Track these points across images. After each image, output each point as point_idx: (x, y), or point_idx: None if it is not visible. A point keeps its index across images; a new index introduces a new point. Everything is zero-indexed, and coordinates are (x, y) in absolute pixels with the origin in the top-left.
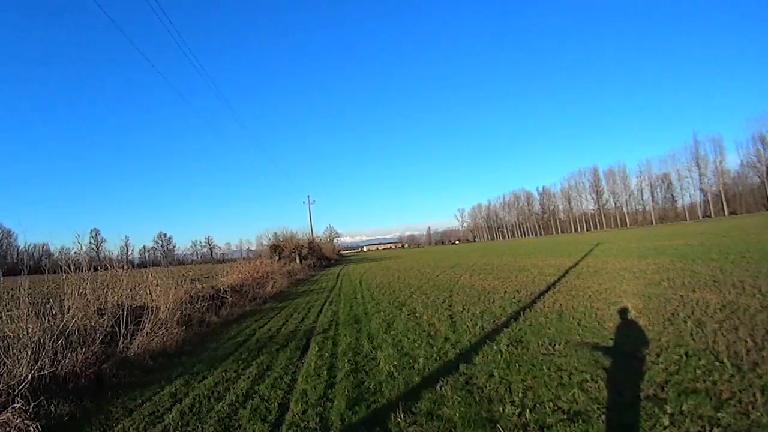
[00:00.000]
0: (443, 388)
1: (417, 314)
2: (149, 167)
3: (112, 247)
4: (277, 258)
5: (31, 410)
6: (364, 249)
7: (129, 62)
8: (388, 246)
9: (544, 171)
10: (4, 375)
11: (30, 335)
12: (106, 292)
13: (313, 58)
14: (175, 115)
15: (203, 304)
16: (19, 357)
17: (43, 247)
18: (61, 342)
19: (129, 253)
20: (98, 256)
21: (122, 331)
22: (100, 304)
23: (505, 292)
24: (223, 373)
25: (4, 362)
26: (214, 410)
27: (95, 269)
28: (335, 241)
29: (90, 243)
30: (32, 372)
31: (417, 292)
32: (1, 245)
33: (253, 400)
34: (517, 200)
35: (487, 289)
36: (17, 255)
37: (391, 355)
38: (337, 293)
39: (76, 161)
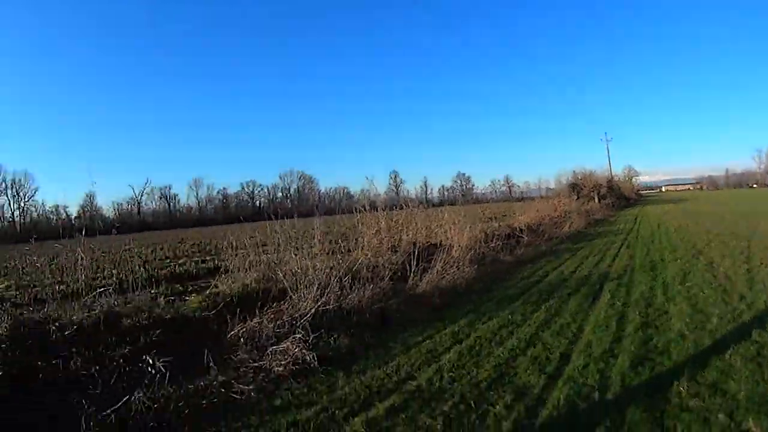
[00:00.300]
0: (732, 357)
1: (714, 265)
2: (443, 110)
3: (411, 187)
4: (575, 197)
5: (310, 341)
6: (662, 189)
7: None
8: (687, 187)
9: None
10: (289, 308)
11: (317, 272)
12: (401, 230)
13: None
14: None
15: (497, 243)
16: (305, 292)
17: (343, 190)
18: (348, 279)
19: (428, 192)
20: (397, 195)
21: (412, 268)
22: (394, 242)
23: None
24: (509, 316)
25: (290, 297)
26: (493, 355)
27: (391, 209)
28: (633, 180)
29: (389, 184)
30: (317, 306)
31: (715, 240)
32: (304, 190)
33: (534, 347)
34: None
35: None
36: (318, 198)
37: (683, 311)
38: (635, 236)
39: (380, 106)
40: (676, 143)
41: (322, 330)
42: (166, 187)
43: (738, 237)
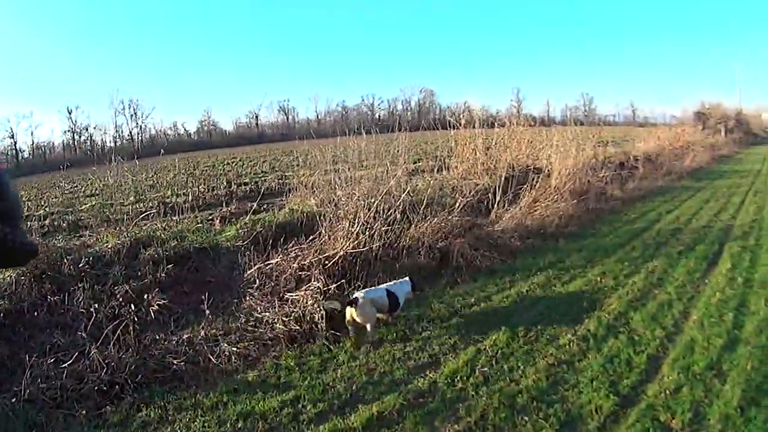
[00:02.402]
0: None
1: None
2: (569, 29)
3: (533, 105)
4: (700, 127)
5: (331, 292)
6: None
7: None
8: None
9: None
10: (322, 245)
11: (356, 201)
12: (500, 151)
13: None
14: None
15: (607, 173)
16: (339, 226)
17: (464, 104)
18: (394, 212)
19: (550, 111)
20: (518, 113)
21: (497, 198)
22: (490, 165)
23: None
24: (597, 279)
25: (320, 232)
26: (553, 347)
27: (491, 126)
28: (764, 116)
29: (511, 101)
30: (351, 244)
31: None
32: (425, 103)
33: (616, 338)
34: None
35: None
36: (439, 112)
37: None
38: (764, 181)
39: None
40: None
41: (355, 276)
42: (284, 101)
43: None
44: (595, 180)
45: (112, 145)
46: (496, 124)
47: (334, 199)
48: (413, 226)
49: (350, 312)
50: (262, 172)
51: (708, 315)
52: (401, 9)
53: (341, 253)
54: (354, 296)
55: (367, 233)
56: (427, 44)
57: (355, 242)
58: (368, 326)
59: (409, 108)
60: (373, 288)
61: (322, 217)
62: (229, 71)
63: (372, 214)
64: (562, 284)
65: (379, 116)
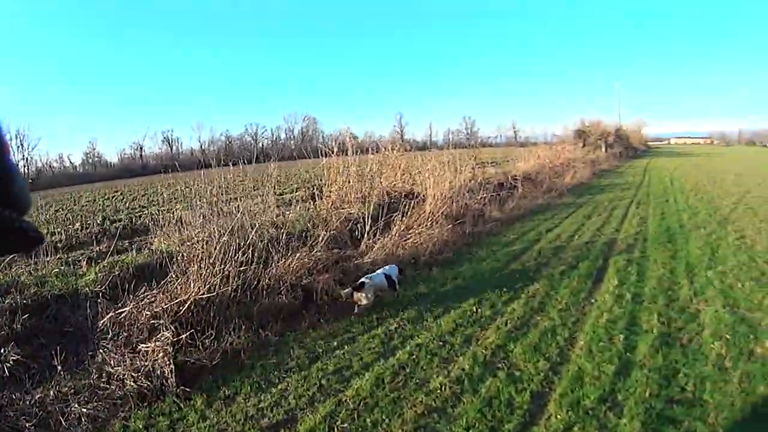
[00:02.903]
0: None
1: (747, 240)
2: (454, 51)
3: (416, 130)
4: (581, 144)
5: (182, 342)
6: (671, 142)
7: None
8: (696, 141)
9: None
10: (175, 290)
11: (211, 238)
12: (373, 178)
13: None
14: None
15: (485, 195)
16: (193, 268)
17: (347, 130)
18: (251, 249)
19: (433, 135)
20: (402, 139)
21: (367, 226)
22: (365, 192)
23: None
24: (472, 310)
25: (175, 275)
26: (423, 390)
27: (366, 152)
28: (642, 131)
29: (394, 127)
30: (203, 288)
31: (741, 204)
32: (308, 131)
33: (495, 376)
34: None
35: None
36: (322, 139)
37: (720, 317)
38: (645, 192)
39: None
40: (687, 96)
41: (209, 323)
42: (168, 131)
43: None
44: (473, 202)
45: None
46: (370, 150)
47: (191, 237)
48: (275, 262)
49: (357, 296)
50: (139, 206)
51: (596, 339)
52: (283, 38)
53: (193, 298)
54: (360, 281)
55: (219, 275)
56: (310, 72)
57: (208, 285)
58: (368, 303)
59: (292, 136)
60: (373, 273)
61: (174, 259)
62: (113, 101)
63: (227, 253)
64: (434, 318)
65: (262, 145)
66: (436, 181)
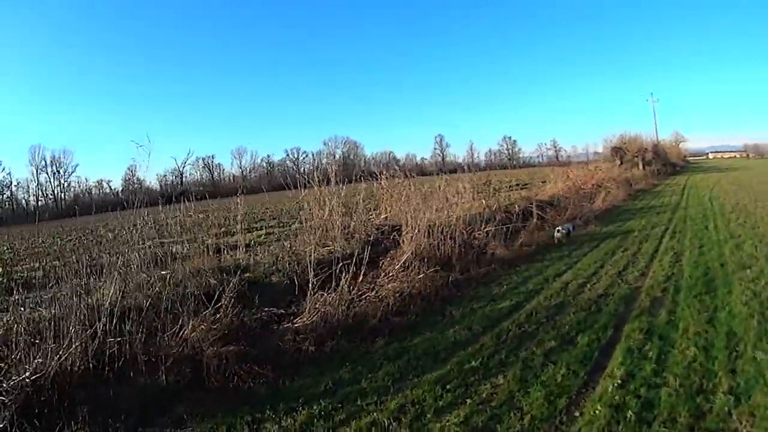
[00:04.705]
0: None
1: None
2: (492, 69)
3: (457, 151)
4: (618, 162)
5: None
6: (709, 156)
7: None
8: (733, 155)
9: None
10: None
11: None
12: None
13: None
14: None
15: (490, 228)
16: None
17: (389, 154)
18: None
19: (475, 156)
20: (443, 160)
21: (310, 277)
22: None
23: None
24: (383, 423)
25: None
26: None
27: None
28: (680, 146)
29: (434, 148)
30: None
31: None
32: (349, 156)
33: None
34: None
35: None
36: (364, 163)
37: None
38: (682, 216)
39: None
40: (722, 109)
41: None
42: (209, 157)
43: None
44: (473, 237)
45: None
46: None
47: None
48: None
49: None
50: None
51: None
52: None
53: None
54: None
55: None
56: (351, 96)
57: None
58: None
59: (334, 160)
60: None
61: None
62: (153, 127)
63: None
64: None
65: (304, 170)
66: (414, 216)
